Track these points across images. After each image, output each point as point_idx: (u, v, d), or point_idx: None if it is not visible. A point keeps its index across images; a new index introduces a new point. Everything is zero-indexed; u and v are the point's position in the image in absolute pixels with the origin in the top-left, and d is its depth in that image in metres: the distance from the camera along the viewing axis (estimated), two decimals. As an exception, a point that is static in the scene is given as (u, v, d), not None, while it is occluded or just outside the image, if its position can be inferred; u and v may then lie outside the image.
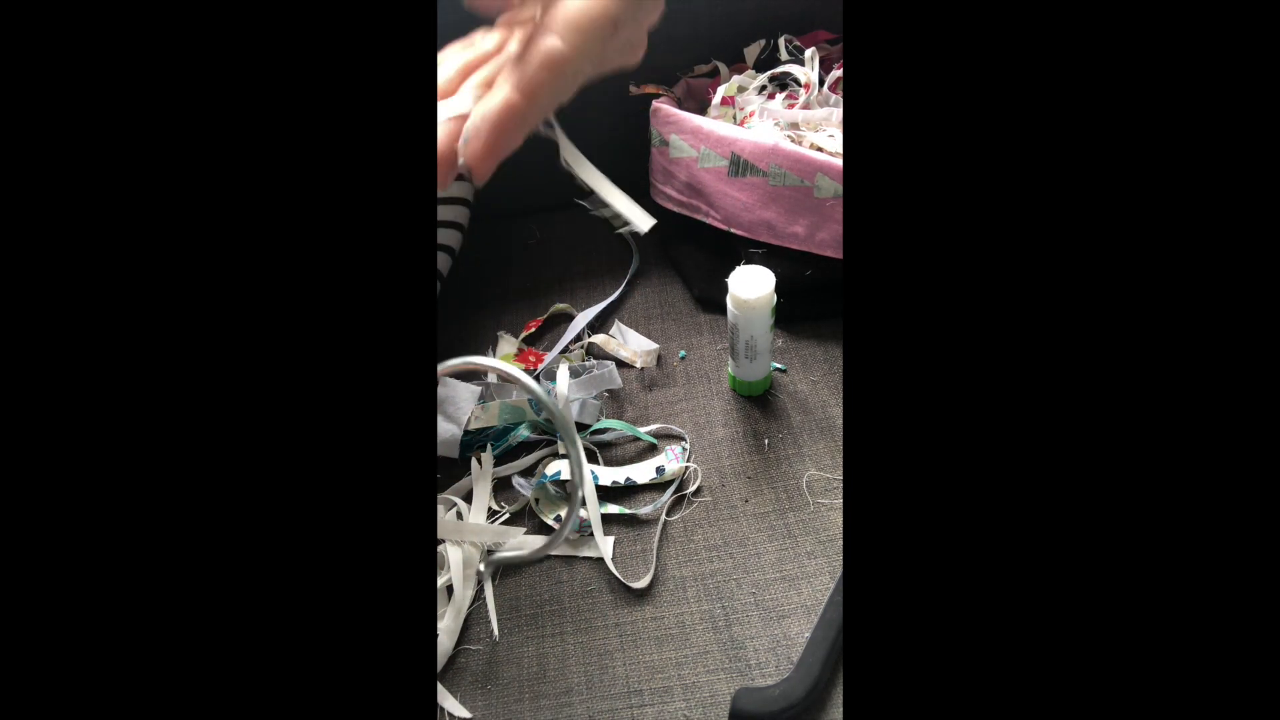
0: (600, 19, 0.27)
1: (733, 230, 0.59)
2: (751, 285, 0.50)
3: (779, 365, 0.58)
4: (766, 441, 0.53)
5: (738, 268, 0.51)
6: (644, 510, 0.50)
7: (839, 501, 0.50)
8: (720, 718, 0.41)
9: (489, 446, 0.53)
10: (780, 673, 0.43)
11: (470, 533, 0.48)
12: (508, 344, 0.62)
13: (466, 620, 0.47)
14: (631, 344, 0.60)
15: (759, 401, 0.56)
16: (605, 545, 0.48)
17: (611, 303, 0.65)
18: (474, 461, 0.52)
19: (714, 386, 0.57)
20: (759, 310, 0.50)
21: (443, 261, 0.63)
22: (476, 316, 0.66)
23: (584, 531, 0.50)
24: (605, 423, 0.54)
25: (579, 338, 0.61)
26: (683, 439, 0.54)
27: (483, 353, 0.62)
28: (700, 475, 0.52)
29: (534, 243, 0.72)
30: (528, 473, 0.53)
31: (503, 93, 0.26)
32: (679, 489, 0.51)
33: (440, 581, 0.47)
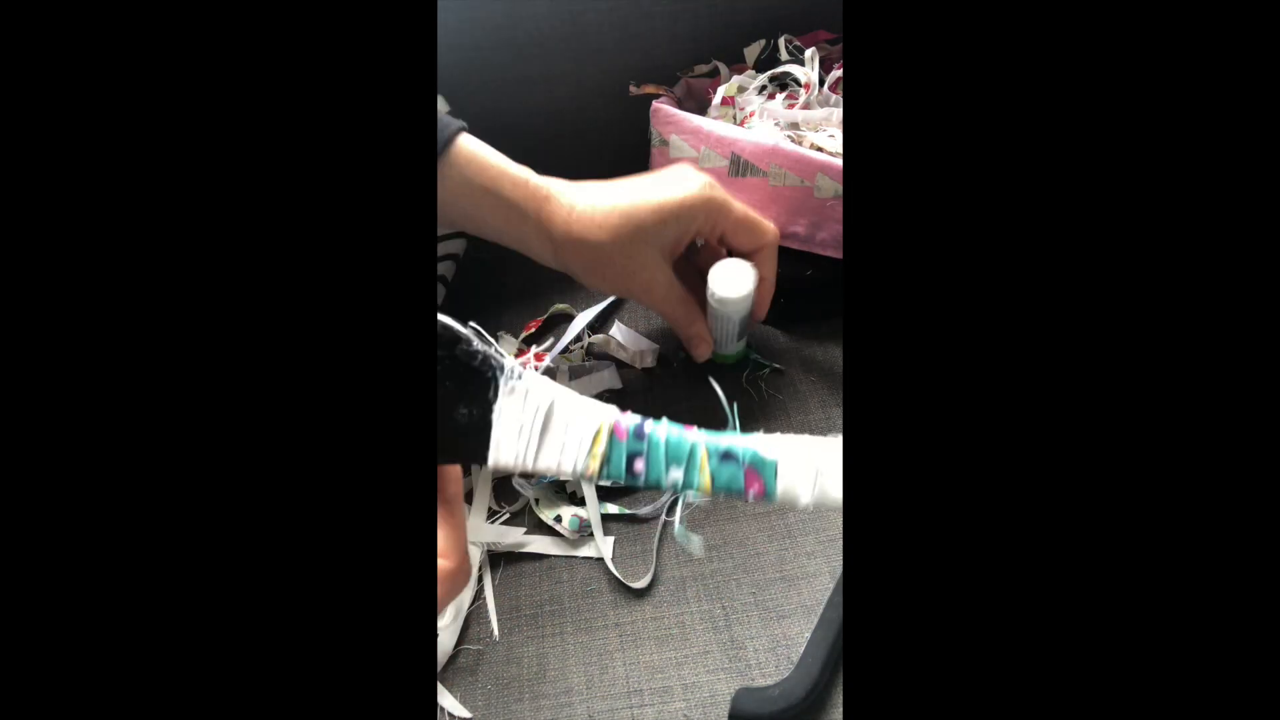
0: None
1: (733, 230, 0.59)
2: (731, 283, 0.50)
3: (778, 365, 0.58)
4: (766, 441, 0.53)
5: (718, 262, 0.52)
6: (644, 510, 0.50)
7: (839, 501, 0.50)
8: (720, 718, 0.41)
9: None
10: (780, 673, 0.43)
11: (470, 532, 0.48)
12: (507, 344, 0.62)
13: (466, 620, 0.47)
14: (631, 344, 0.60)
15: (759, 402, 0.56)
16: (605, 545, 0.48)
17: (611, 303, 0.64)
18: (474, 461, 0.52)
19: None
20: (739, 305, 0.51)
21: (448, 268, 0.63)
22: (476, 316, 0.66)
23: (584, 532, 0.50)
24: None
25: (579, 338, 0.61)
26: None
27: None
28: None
29: (534, 243, 0.72)
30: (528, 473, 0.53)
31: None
32: (679, 489, 0.51)
33: (440, 581, 0.47)
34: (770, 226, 0.47)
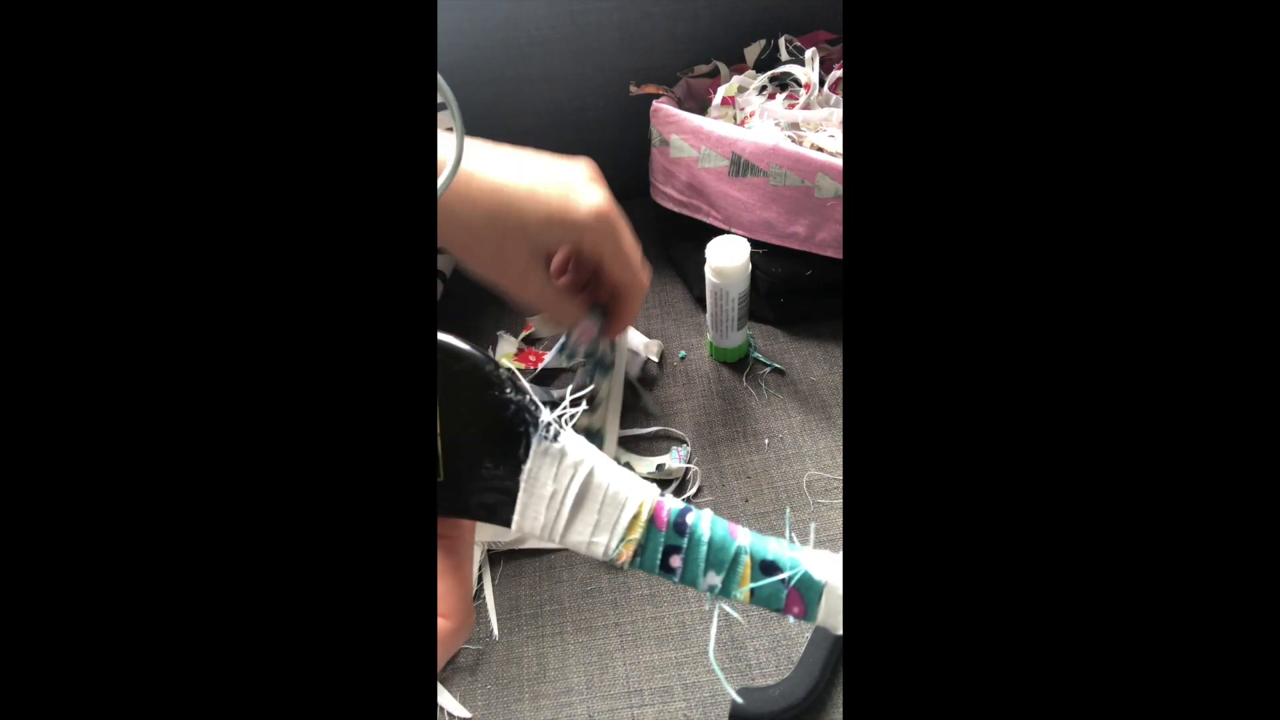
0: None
1: (733, 230, 0.59)
2: (727, 254, 0.52)
3: (778, 365, 0.58)
4: (766, 441, 0.53)
5: (714, 239, 0.53)
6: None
7: (839, 501, 0.50)
8: (720, 718, 0.41)
9: None
10: (780, 673, 0.43)
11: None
12: (508, 344, 0.62)
13: (466, 620, 0.47)
14: (634, 341, 0.60)
15: (759, 402, 0.56)
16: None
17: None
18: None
19: (714, 386, 0.58)
20: (736, 278, 0.52)
21: (446, 262, 0.63)
22: (477, 316, 0.66)
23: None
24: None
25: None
26: (683, 441, 0.54)
27: (486, 354, 0.62)
28: (700, 476, 0.52)
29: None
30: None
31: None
32: (679, 490, 0.51)
33: (440, 581, 0.47)
34: (644, 275, 0.43)
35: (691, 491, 0.51)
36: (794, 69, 0.64)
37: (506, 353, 0.61)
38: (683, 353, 0.60)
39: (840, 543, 0.48)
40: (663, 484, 0.52)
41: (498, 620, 0.46)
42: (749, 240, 0.53)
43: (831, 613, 0.24)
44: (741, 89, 0.66)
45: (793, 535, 0.25)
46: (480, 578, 0.48)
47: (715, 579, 0.24)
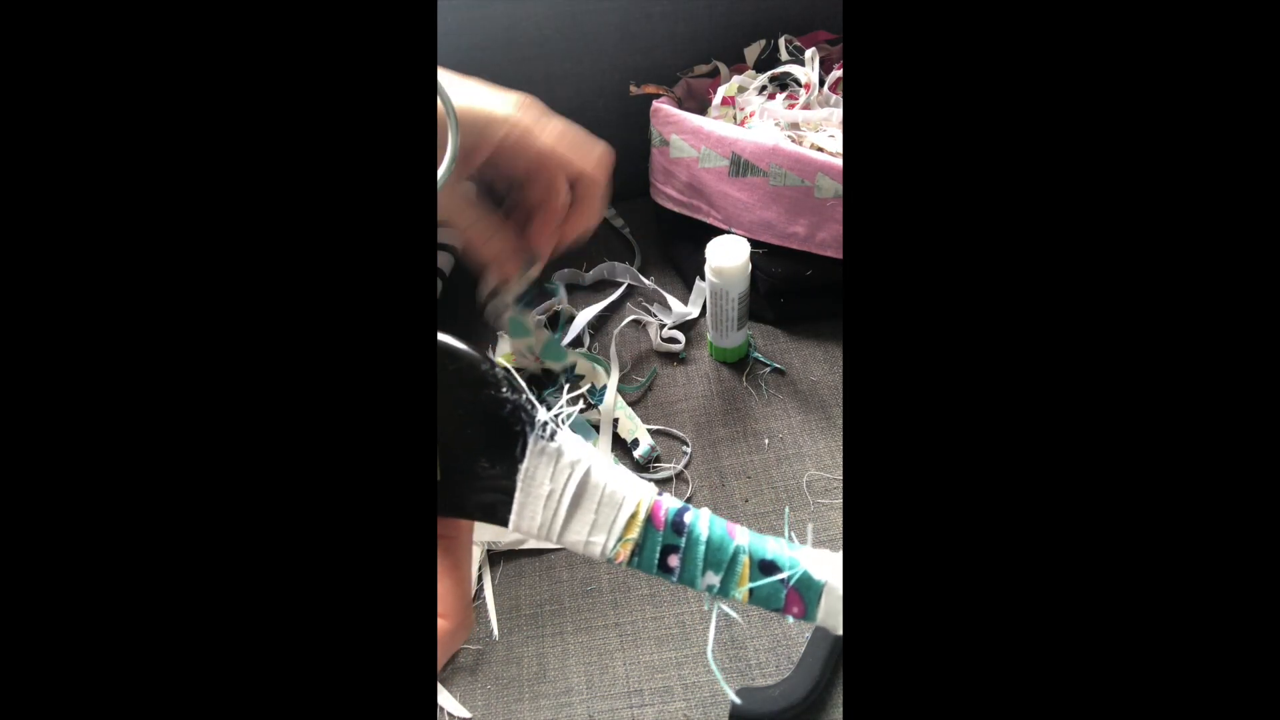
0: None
1: (733, 230, 0.59)
2: (727, 254, 0.52)
3: (778, 365, 0.58)
4: (766, 441, 0.53)
5: (714, 239, 0.53)
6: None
7: (839, 501, 0.50)
8: (720, 718, 0.41)
9: None
10: (780, 673, 0.43)
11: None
12: (507, 344, 0.62)
13: (466, 620, 0.47)
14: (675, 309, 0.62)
15: (759, 402, 0.56)
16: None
17: (611, 303, 0.65)
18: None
19: (714, 386, 0.58)
20: (736, 278, 0.52)
21: (445, 260, 0.63)
22: (476, 316, 0.66)
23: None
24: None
25: (579, 338, 0.62)
26: (684, 443, 0.54)
27: (482, 352, 0.62)
28: (692, 482, 0.52)
29: (534, 243, 0.72)
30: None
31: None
32: (677, 491, 0.51)
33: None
34: (594, 162, 0.40)
35: (686, 497, 0.51)
36: (794, 69, 0.64)
37: (507, 353, 0.61)
38: (682, 353, 0.60)
39: (840, 542, 0.48)
40: (662, 484, 0.52)
41: (498, 620, 0.46)
42: (749, 240, 0.53)
43: (831, 613, 0.24)
44: (741, 89, 0.66)
45: (792, 535, 0.25)
46: (480, 578, 0.48)
47: (714, 579, 0.24)
